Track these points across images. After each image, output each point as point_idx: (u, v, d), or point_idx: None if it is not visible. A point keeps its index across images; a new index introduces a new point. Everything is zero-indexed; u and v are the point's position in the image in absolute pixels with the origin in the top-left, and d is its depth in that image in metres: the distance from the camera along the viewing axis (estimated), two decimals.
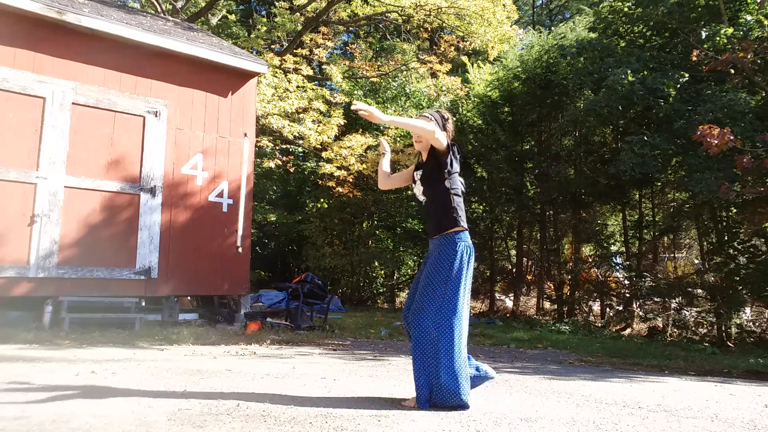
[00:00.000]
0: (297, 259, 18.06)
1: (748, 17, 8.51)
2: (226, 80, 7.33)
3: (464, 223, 2.96)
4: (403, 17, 13.13)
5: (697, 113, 8.32)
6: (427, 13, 12.51)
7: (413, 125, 2.98)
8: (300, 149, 14.73)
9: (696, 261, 13.02)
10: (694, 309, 10.56)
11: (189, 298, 8.13)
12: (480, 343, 7.37)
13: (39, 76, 5.99)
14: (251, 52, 12.44)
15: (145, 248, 6.44)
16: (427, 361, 2.78)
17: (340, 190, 12.20)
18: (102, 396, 2.88)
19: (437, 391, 2.78)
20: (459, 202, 2.98)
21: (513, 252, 14.89)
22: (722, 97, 8.18)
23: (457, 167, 3.01)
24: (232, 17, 18.03)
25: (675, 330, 10.43)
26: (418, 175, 3.11)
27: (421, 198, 3.09)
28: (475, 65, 15.02)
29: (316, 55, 13.45)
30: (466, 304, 2.88)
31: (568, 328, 9.84)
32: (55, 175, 5.98)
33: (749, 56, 7.45)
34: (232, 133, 7.30)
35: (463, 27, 12.67)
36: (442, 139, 2.95)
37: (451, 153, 2.99)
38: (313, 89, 12.19)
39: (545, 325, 10.32)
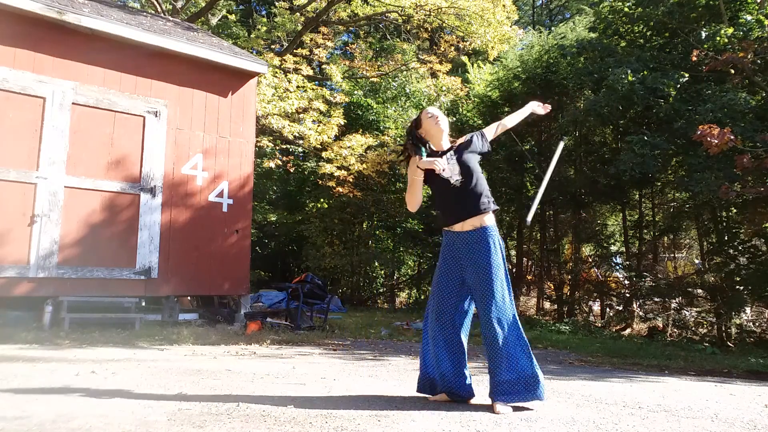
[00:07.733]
0: (297, 259, 18.04)
1: (748, 17, 8.51)
2: (226, 80, 7.33)
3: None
4: (403, 17, 13.14)
5: (697, 113, 8.32)
6: (427, 13, 12.51)
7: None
8: (300, 149, 14.74)
9: (696, 261, 13.02)
10: (694, 309, 10.55)
11: (189, 298, 8.13)
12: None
13: (39, 76, 6.00)
14: (251, 52, 12.44)
15: (145, 248, 6.44)
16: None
17: (340, 190, 12.21)
18: (102, 396, 2.88)
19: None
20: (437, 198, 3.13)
21: (513, 252, 14.88)
22: (722, 97, 8.17)
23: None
24: (232, 17, 18.03)
25: (675, 330, 10.42)
26: None
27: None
28: (475, 65, 15.01)
29: (316, 55, 13.45)
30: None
31: (568, 328, 9.83)
32: (55, 175, 5.98)
33: (749, 56, 7.44)
34: (232, 133, 7.30)
35: (463, 27, 12.68)
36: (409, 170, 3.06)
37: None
38: (313, 89, 12.20)
39: (545, 325, 10.31)
